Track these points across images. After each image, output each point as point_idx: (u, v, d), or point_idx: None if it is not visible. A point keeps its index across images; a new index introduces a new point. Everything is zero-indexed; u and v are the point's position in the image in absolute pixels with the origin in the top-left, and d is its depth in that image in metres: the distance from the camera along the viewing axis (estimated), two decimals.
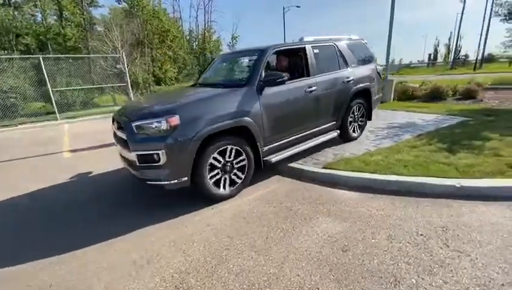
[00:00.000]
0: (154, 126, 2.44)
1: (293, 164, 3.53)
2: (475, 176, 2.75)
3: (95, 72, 12.51)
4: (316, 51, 3.77)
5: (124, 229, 2.45)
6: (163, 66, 21.86)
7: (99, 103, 13.18)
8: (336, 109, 4.00)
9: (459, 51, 37.39)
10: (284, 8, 28.76)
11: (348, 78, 4.09)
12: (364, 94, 4.45)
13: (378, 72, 4.90)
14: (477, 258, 1.76)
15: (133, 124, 2.51)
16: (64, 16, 19.25)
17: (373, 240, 2.04)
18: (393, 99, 8.55)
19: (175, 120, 2.44)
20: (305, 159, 3.68)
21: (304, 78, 3.56)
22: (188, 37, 29.41)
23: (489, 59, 33.50)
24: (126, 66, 11.91)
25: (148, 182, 2.59)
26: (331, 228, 2.24)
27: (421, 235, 2.05)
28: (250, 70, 3.22)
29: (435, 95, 8.19)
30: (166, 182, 2.52)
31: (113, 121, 3.14)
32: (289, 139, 3.41)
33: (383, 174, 2.97)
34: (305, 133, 3.62)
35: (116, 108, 12.25)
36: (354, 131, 4.43)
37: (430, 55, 48.29)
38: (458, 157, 3.28)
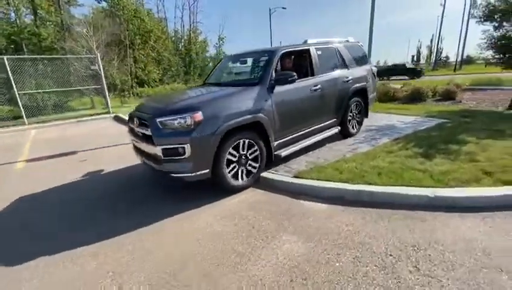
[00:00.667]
0: (179, 122, 2.58)
1: (263, 173, 3.28)
2: (450, 184, 2.59)
3: (69, 74, 11.86)
4: (319, 52, 4.02)
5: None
6: (147, 68, 21.24)
7: (74, 106, 12.51)
8: (337, 107, 4.26)
9: (441, 53, 38.59)
10: (270, 10, 28.74)
11: (347, 77, 4.35)
12: (362, 93, 4.73)
13: (373, 73, 5.19)
14: (448, 285, 1.56)
15: (158, 120, 2.62)
16: (39, 15, 18.32)
17: (337, 264, 1.81)
18: (375, 101, 8.49)
19: (199, 116, 2.59)
20: (277, 167, 3.44)
21: (309, 78, 3.78)
22: (173, 38, 28.80)
23: (468, 61, 34.69)
24: (102, 67, 11.40)
25: (172, 175, 2.67)
26: (294, 249, 2.00)
27: (390, 255, 1.85)
28: (262, 70, 3.45)
29: (415, 97, 8.21)
30: (189, 174, 2.64)
31: (130, 119, 3.22)
32: (296, 134, 3.63)
33: (355, 184, 2.77)
34: (310, 129, 3.85)
35: (93, 111, 11.74)
36: (352, 128, 4.67)
37: (413, 56, 49.72)
38: (434, 163, 3.13)
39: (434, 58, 39.49)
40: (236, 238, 2.19)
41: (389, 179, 2.79)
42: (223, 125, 2.68)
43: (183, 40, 29.83)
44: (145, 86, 20.64)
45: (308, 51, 3.88)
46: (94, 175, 3.91)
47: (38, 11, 18.05)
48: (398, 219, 2.27)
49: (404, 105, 7.67)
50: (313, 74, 3.83)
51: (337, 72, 4.24)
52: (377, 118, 5.98)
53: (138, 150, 3.18)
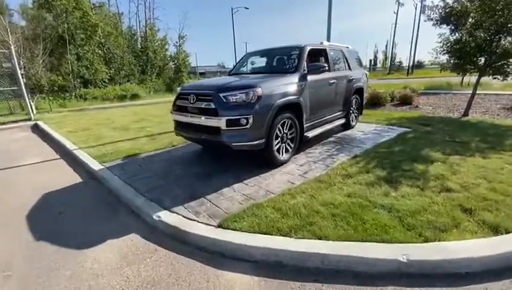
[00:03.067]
0: (240, 96, 2.90)
1: (173, 219, 2.28)
2: (424, 235, 1.87)
3: None
4: (332, 52, 4.58)
5: None
6: (93, 66, 18.83)
7: None
8: (344, 101, 4.82)
9: (394, 58, 41.30)
10: (232, 9, 27.89)
11: (351, 76, 4.93)
12: (359, 92, 5.33)
13: (366, 76, 5.84)
14: None
15: (222, 95, 2.94)
16: None
17: None
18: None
19: (260, 91, 2.95)
20: (200, 208, 2.46)
21: (327, 72, 4.15)
22: (127, 35, 26.25)
23: (419, 65, 37.62)
24: (23, 65, 9.42)
25: (233, 144, 2.93)
26: None
27: None
28: (296, 61, 3.83)
29: (374, 102, 7.94)
30: (248, 143, 2.94)
31: (180, 98, 3.44)
32: (318, 120, 4.09)
33: (301, 238, 1.93)
34: (327, 117, 4.35)
35: (9, 118, 9.57)
36: (352, 121, 5.22)
37: (371, 61, 52.74)
38: (401, 194, 2.45)
39: (389, 63, 42.09)
40: None
41: (347, 227, 2.01)
42: (277, 102, 3.06)
43: (138, 37, 27.43)
44: (91, 86, 18.23)
45: (325, 50, 4.43)
46: None
47: None
48: None
49: (364, 110, 7.26)
50: (329, 70, 4.24)
51: (344, 71, 4.83)
52: None
53: (188, 127, 3.35)
